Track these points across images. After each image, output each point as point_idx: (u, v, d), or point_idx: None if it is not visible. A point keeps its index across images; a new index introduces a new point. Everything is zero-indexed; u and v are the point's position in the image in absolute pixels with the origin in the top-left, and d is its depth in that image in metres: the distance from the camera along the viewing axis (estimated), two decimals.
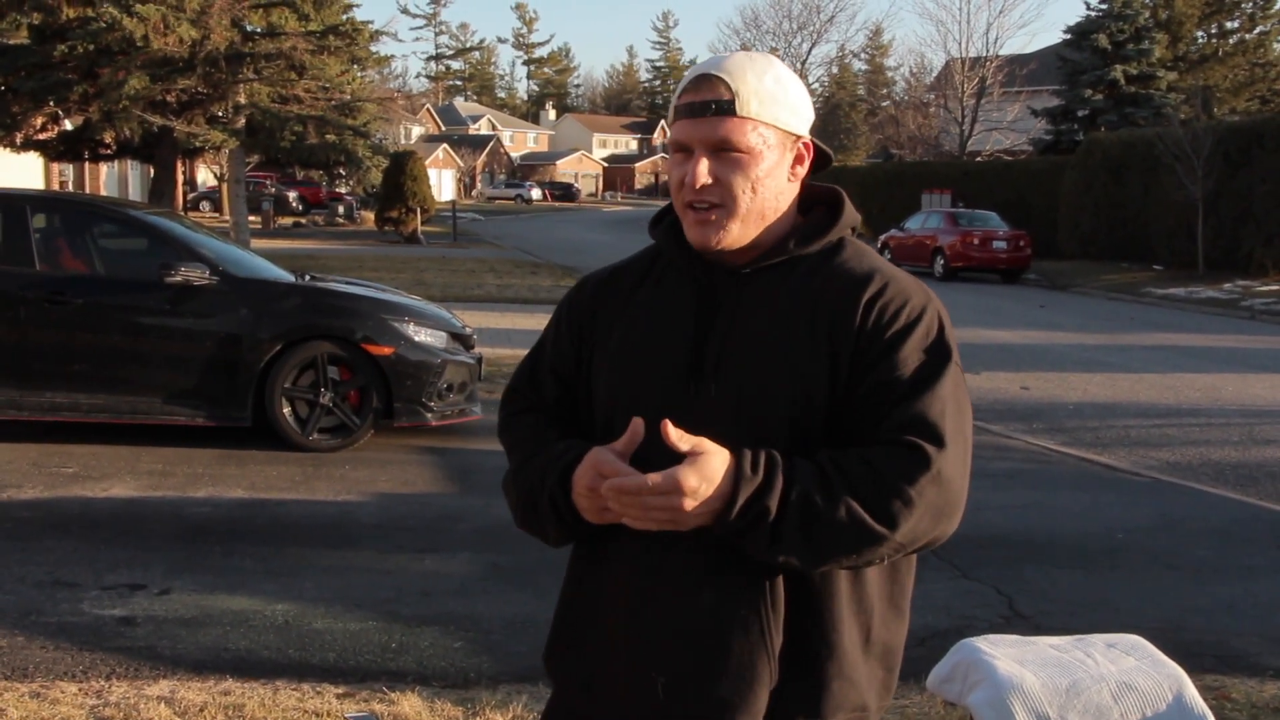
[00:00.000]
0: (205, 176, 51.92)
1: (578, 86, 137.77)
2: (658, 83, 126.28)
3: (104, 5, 21.27)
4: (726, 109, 1.71)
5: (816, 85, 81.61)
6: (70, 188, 33.96)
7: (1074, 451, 8.81)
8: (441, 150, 76.98)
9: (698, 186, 1.71)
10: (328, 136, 25.08)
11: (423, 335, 8.13)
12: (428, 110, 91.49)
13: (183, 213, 25.37)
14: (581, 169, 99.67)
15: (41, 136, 24.54)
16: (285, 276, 8.70)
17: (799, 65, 60.49)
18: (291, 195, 48.23)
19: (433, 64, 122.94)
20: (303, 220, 45.99)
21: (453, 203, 45.70)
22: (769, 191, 1.75)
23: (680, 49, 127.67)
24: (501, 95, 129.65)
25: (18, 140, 23.52)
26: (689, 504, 1.57)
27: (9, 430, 7.93)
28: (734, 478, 1.60)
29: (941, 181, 36.32)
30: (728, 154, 1.72)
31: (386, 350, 7.89)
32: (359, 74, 29.57)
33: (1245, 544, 6.51)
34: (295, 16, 23.34)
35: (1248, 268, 24.75)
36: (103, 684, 4.11)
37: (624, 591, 1.75)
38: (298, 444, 7.83)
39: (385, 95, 39.36)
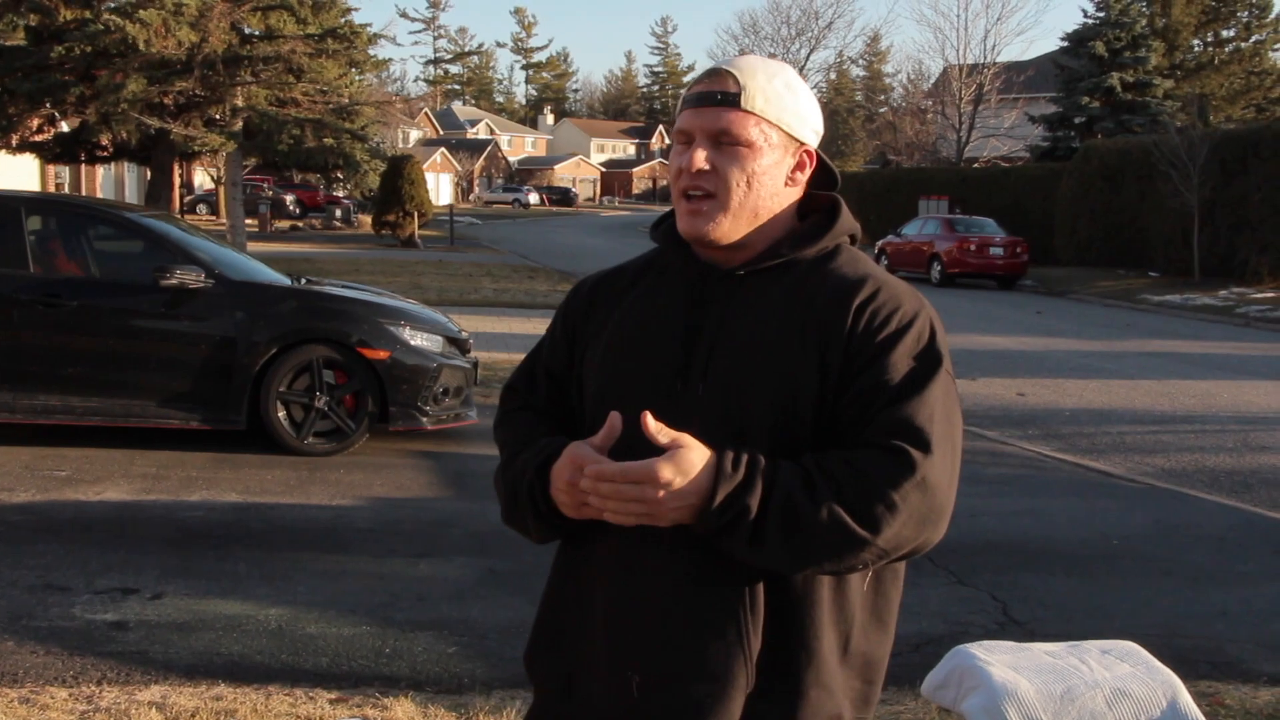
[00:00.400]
0: (202, 179, 51.92)
1: (576, 91, 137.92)
2: (656, 88, 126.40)
3: (104, 11, 21.25)
4: (731, 101, 1.74)
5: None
6: (66, 190, 33.93)
7: (1069, 458, 8.81)
8: (439, 154, 77.01)
9: (693, 170, 1.73)
10: (325, 140, 25.05)
11: (418, 339, 8.12)
12: (425, 114, 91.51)
13: (179, 216, 25.35)
14: (579, 174, 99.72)
15: (38, 138, 24.48)
16: (281, 280, 8.70)
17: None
18: (289, 198, 48.21)
19: (431, 68, 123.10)
20: (300, 224, 46.01)
21: (450, 207, 45.68)
22: (764, 189, 1.76)
23: (679, 55, 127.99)
24: (500, 100, 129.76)
25: (14, 142, 23.46)
26: (663, 495, 1.57)
27: (1, 433, 7.91)
28: (713, 474, 1.60)
29: (939, 188, 36.35)
30: (727, 145, 1.74)
31: (382, 354, 7.88)
32: (357, 77, 29.55)
33: (1240, 551, 6.50)
34: (293, 20, 23.33)
35: (1243, 275, 24.77)
36: (94, 689, 4.10)
37: (604, 592, 1.74)
38: (292, 448, 7.81)
39: (383, 99, 39.34)
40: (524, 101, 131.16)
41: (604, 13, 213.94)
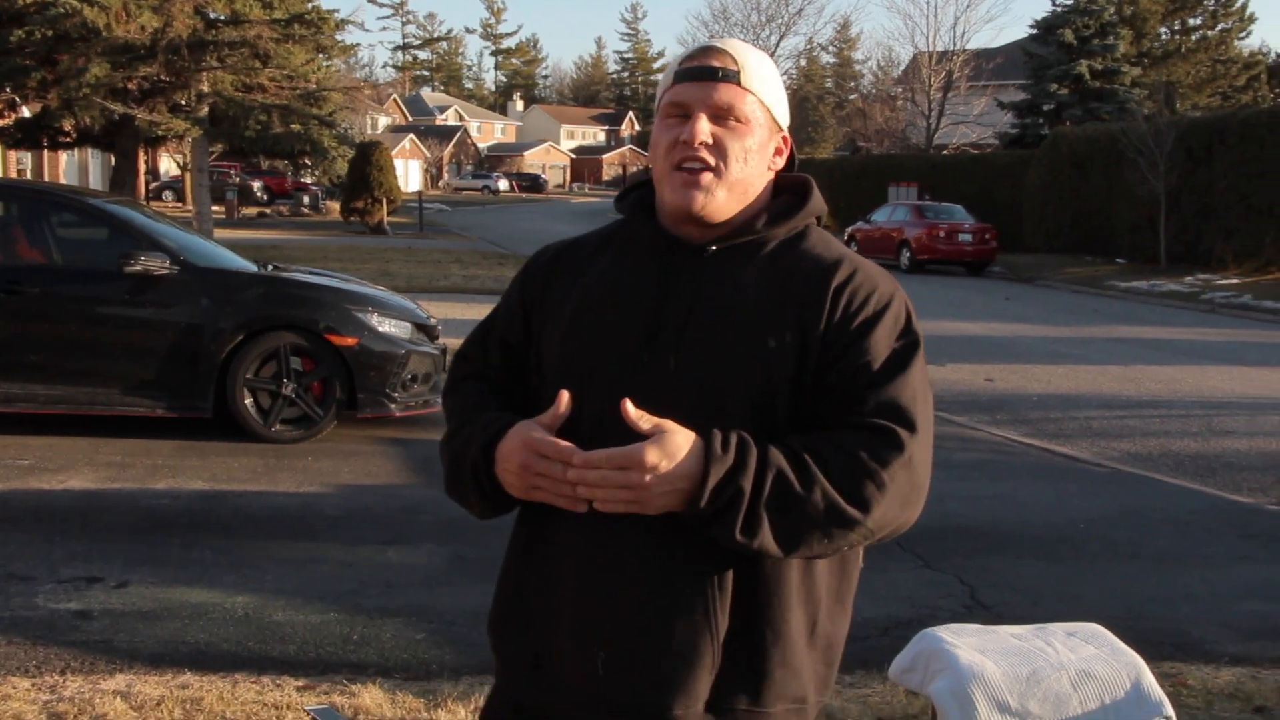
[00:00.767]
0: (168, 166, 51.46)
1: (546, 78, 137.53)
2: (626, 74, 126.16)
3: None
4: (733, 77, 1.73)
5: (785, 78, 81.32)
6: (29, 176, 33.56)
7: (1037, 443, 8.87)
8: (408, 141, 76.66)
9: (696, 142, 1.71)
10: (293, 126, 24.89)
11: (387, 326, 8.08)
12: (394, 100, 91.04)
13: (145, 202, 25.12)
14: (549, 160, 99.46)
15: None
16: (248, 266, 8.63)
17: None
18: (256, 185, 47.86)
19: (399, 54, 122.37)
20: (267, 210, 45.69)
21: (419, 193, 45.47)
22: (756, 168, 1.76)
23: (649, 41, 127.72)
24: (469, 86, 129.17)
25: None
26: (649, 480, 1.55)
27: None
28: (703, 458, 1.57)
29: (908, 174, 36.45)
30: (727, 120, 1.73)
31: (350, 341, 7.83)
32: (324, 63, 29.35)
33: (1203, 534, 6.56)
34: (259, 4, 23.15)
35: (1208, 262, 24.98)
36: (57, 679, 4.06)
37: (570, 571, 1.73)
38: (260, 435, 7.77)
39: (351, 85, 39.11)
40: (493, 88, 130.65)
41: None
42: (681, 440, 1.57)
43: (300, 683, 4.08)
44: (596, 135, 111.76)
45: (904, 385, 1.65)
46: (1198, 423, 9.85)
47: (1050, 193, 30.91)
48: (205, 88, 23.39)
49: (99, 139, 25.93)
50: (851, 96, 76.31)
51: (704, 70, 1.74)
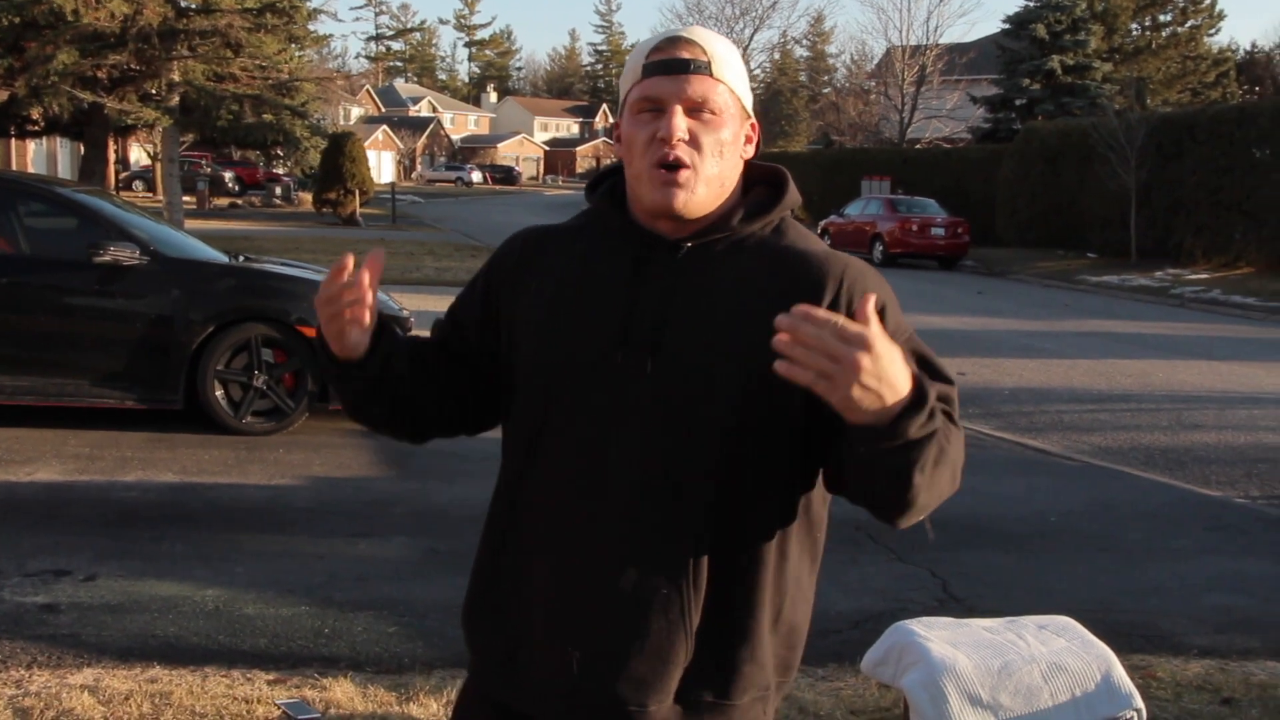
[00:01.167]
0: (138, 155, 51.04)
1: (519, 69, 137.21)
2: (600, 66, 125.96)
3: None
4: (705, 68, 1.68)
5: (758, 71, 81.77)
6: None
7: (1008, 436, 8.91)
8: (381, 132, 76.32)
9: (674, 139, 1.66)
10: (265, 116, 24.74)
11: None
12: (367, 91, 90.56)
13: (114, 192, 24.93)
14: (523, 152, 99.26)
15: None
16: (219, 257, 8.57)
17: (741, 51, 60.56)
18: (227, 176, 47.56)
19: (373, 44, 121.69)
20: (239, 201, 45.39)
21: (392, 185, 45.30)
22: (731, 160, 1.72)
23: (623, 33, 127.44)
24: (442, 77, 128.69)
25: None
26: (867, 364, 1.41)
27: None
28: (915, 378, 1.49)
29: (881, 168, 36.56)
30: (702, 114, 1.68)
31: None
32: (297, 53, 29.14)
33: (1173, 527, 6.61)
34: None
35: (1178, 256, 25.18)
36: (23, 673, 4.02)
37: (544, 566, 1.71)
38: (230, 427, 7.72)
39: (324, 75, 38.91)
40: (467, 79, 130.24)
41: None
42: (899, 354, 1.46)
43: (271, 676, 4.06)
44: (570, 128, 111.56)
45: (940, 372, 1.65)
46: (1167, 416, 9.92)
47: (1022, 187, 31.07)
48: (176, 77, 23.20)
49: (68, 128, 25.70)
50: (825, 90, 76.46)
51: (676, 63, 1.68)
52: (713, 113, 1.69)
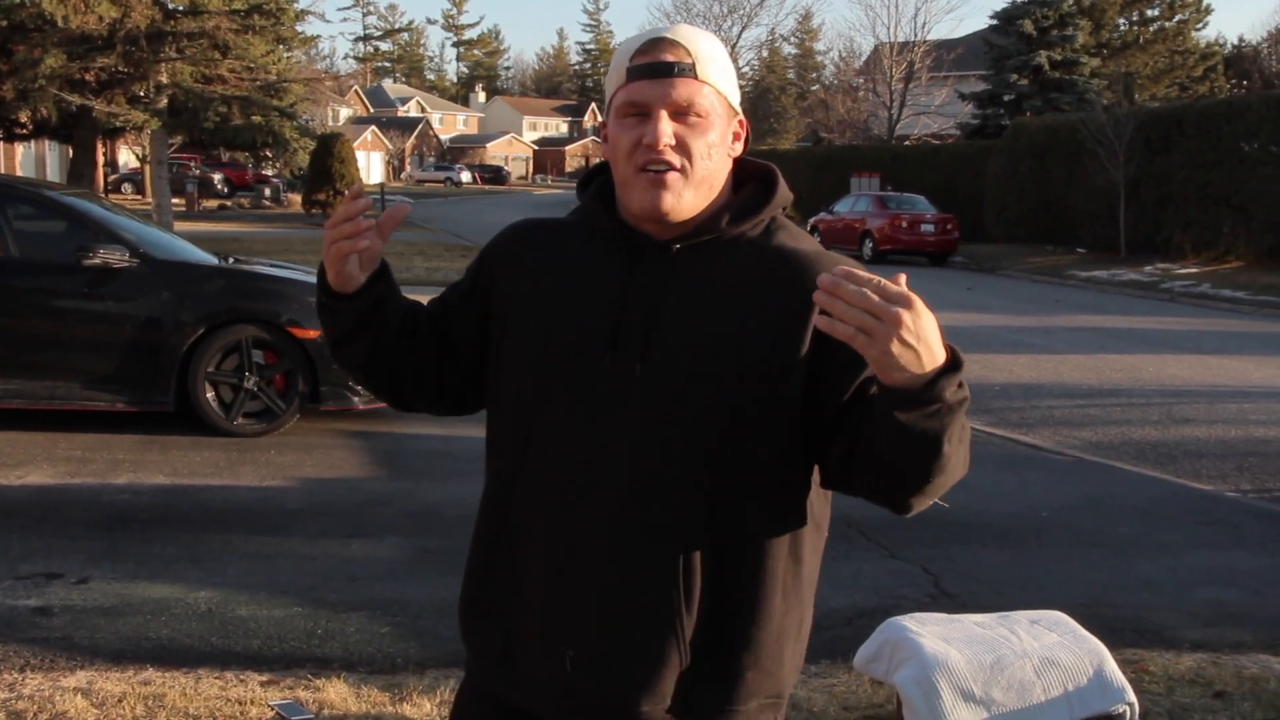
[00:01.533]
0: (127, 158, 50.89)
1: (508, 69, 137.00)
2: (588, 65, 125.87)
3: None
4: (689, 71, 1.66)
5: (746, 69, 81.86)
6: None
7: (999, 432, 8.92)
8: (370, 132, 76.23)
9: (660, 146, 1.65)
10: (253, 117, 24.69)
11: None
12: (356, 92, 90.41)
13: (103, 195, 24.86)
14: (512, 152, 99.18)
15: None
16: (208, 259, 8.56)
17: (730, 49, 60.53)
18: (216, 177, 47.47)
19: (360, 45, 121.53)
20: (228, 203, 45.31)
21: (381, 185, 45.28)
22: (719, 160, 1.71)
23: (611, 32, 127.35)
24: (431, 77, 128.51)
25: None
26: (908, 321, 1.44)
27: None
28: (954, 350, 1.52)
29: (870, 165, 36.60)
30: (688, 117, 1.67)
31: (313, 334, 7.77)
32: (285, 54, 29.08)
33: (1164, 521, 6.63)
34: None
35: (1167, 251, 25.25)
36: (16, 676, 4.01)
37: (538, 566, 1.71)
38: (221, 429, 7.70)
39: (312, 76, 38.77)
40: (455, 79, 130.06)
41: None
42: (930, 315, 1.49)
43: (264, 678, 4.05)
44: (559, 127, 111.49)
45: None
46: (1158, 411, 9.95)
47: (1011, 183, 31.12)
48: (164, 79, 23.15)
49: (56, 131, 25.64)
50: (813, 88, 76.53)
51: (659, 66, 1.67)
52: (698, 115, 1.67)
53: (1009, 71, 39.40)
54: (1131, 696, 3.30)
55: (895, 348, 1.44)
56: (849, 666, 3.98)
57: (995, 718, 3.18)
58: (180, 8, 23.20)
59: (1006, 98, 40.02)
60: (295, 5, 24.59)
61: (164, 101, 23.35)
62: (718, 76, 1.70)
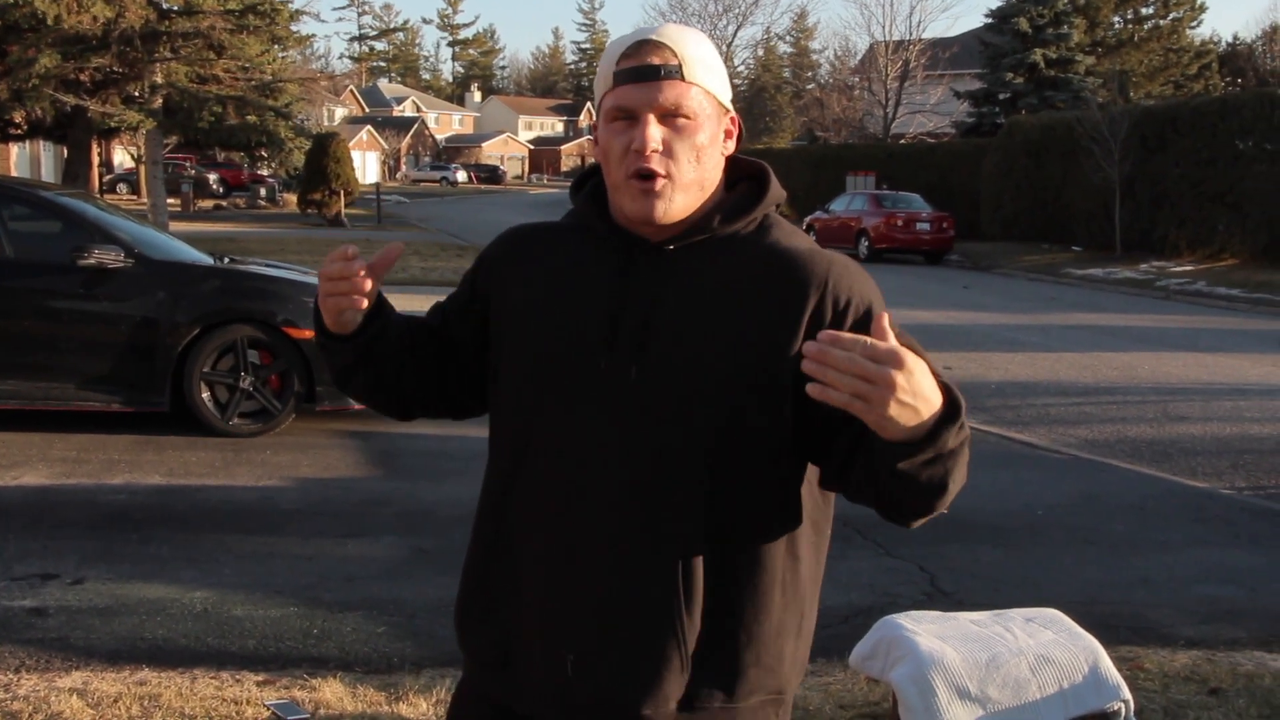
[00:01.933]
0: (122, 158, 50.85)
1: (503, 68, 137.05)
2: (584, 65, 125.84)
3: None
4: (675, 73, 1.65)
5: (742, 68, 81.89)
6: None
7: (995, 430, 8.93)
8: (365, 132, 76.13)
9: (648, 151, 1.64)
10: (248, 117, 24.66)
11: None
12: (351, 92, 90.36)
13: (98, 195, 24.83)
14: (507, 151, 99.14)
15: None
16: (204, 259, 8.55)
17: (724, 48, 60.66)
18: (212, 177, 47.40)
19: (356, 44, 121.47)
20: (223, 203, 45.27)
21: (377, 185, 45.21)
22: (710, 162, 1.70)
23: (606, 31, 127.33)
24: (426, 77, 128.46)
25: None
26: (902, 381, 1.40)
27: None
28: (951, 394, 1.48)
29: (866, 164, 36.61)
30: (676, 120, 1.66)
31: (308, 333, 7.76)
32: (280, 54, 29.03)
33: (1160, 519, 6.64)
34: None
35: (1163, 249, 25.28)
36: (11, 677, 4.00)
37: (537, 570, 1.71)
38: (217, 429, 7.70)
39: (307, 76, 38.80)
40: (451, 79, 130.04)
41: None
42: (925, 367, 1.45)
43: (260, 678, 4.05)
44: (554, 126, 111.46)
45: (933, 371, 1.63)
46: (1153, 409, 9.96)
47: (1007, 181, 31.14)
48: (159, 79, 23.11)
49: (51, 131, 25.58)
50: (809, 86, 76.54)
51: (645, 70, 1.65)
52: (687, 117, 1.67)
53: (1004, 70, 39.42)
54: (1126, 694, 3.30)
55: (892, 409, 1.42)
56: (845, 664, 3.98)
57: (991, 715, 3.18)
58: (175, 7, 23.16)
59: (1002, 96, 40.05)
60: (290, 5, 24.53)
61: (159, 101, 23.31)
62: (705, 76, 1.69)
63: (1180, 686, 4.14)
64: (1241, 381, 11.48)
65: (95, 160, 28.94)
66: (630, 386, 1.65)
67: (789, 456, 1.67)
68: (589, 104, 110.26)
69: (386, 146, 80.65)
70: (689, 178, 1.68)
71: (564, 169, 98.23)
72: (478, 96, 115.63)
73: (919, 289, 20.77)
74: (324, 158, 34.17)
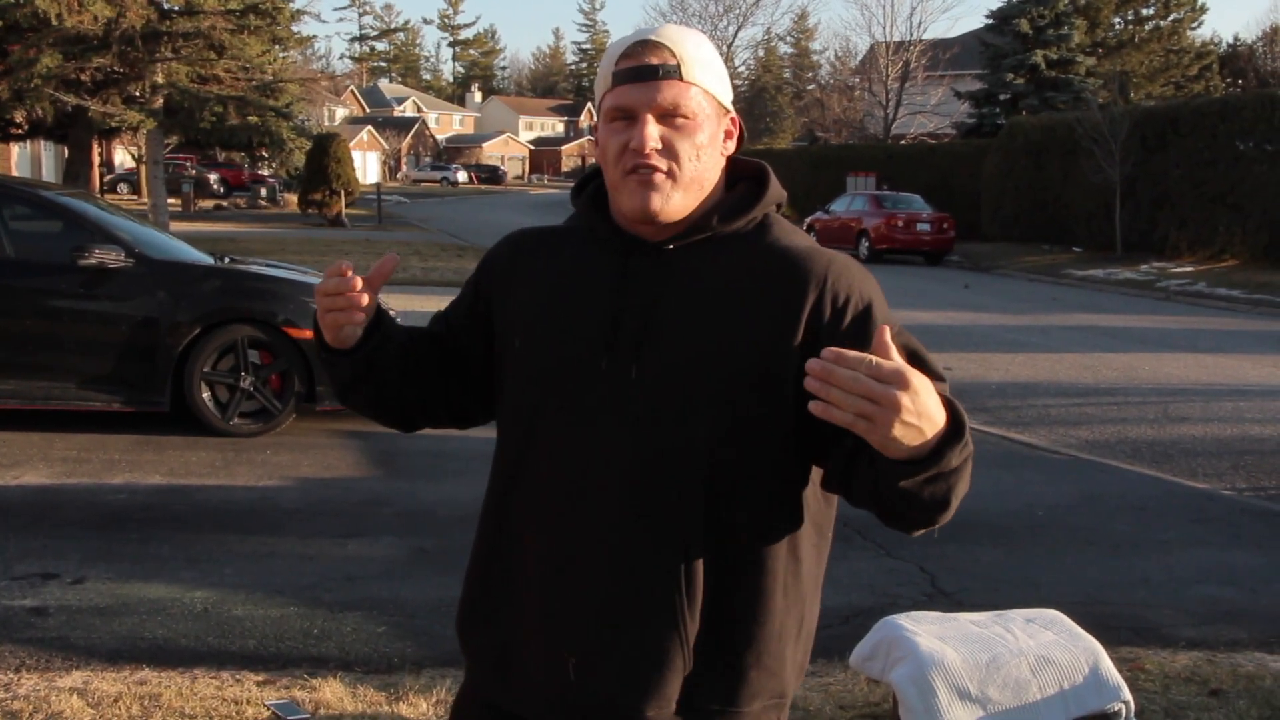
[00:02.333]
0: (123, 158, 50.85)
1: (504, 69, 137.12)
2: (584, 65, 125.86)
3: None
4: (674, 73, 1.66)
5: (742, 68, 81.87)
6: None
7: (996, 430, 8.93)
8: (366, 132, 76.15)
9: (646, 150, 1.65)
10: (249, 117, 24.65)
11: None
12: (352, 92, 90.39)
13: (99, 195, 24.82)
14: (508, 151, 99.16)
15: None
16: (204, 259, 8.55)
17: (725, 49, 60.68)
18: (212, 177, 47.41)
19: (356, 45, 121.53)
20: (224, 203, 45.26)
21: (377, 185, 45.22)
22: (709, 162, 1.70)
23: (607, 31, 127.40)
24: (427, 77, 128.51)
25: None
26: (907, 402, 1.39)
27: None
28: (951, 406, 1.47)
29: (866, 164, 36.60)
30: (674, 119, 1.66)
31: (308, 333, 7.76)
32: (280, 54, 29.05)
33: (1160, 519, 6.64)
34: None
35: (1163, 250, 25.28)
36: (12, 676, 4.00)
37: (537, 572, 1.71)
38: (217, 429, 7.70)
39: (308, 76, 38.81)
40: (451, 79, 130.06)
41: None
42: (930, 386, 1.44)
43: (260, 677, 4.05)
44: (555, 126, 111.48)
45: (931, 368, 1.61)
46: (1154, 409, 9.96)
47: (1007, 182, 31.14)
48: (160, 79, 23.11)
49: (52, 131, 25.60)
50: (809, 87, 76.53)
51: (643, 70, 1.66)
52: (685, 117, 1.67)
53: (1005, 71, 39.42)
54: (1127, 694, 3.30)
55: (896, 430, 1.40)
56: (845, 665, 3.98)
57: (991, 716, 3.18)
58: (176, 7, 23.16)
59: (1002, 97, 40.05)
60: (291, 5, 24.56)
61: (159, 101, 23.31)
62: (704, 76, 1.69)
63: (1181, 687, 4.14)
64: (1242, 382, 11.48)
65: (96, 160, 28.95)
66: (631, 387, 1.65)
67: (791, 456, 1.67)
68: (589, 104, 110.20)
69: (387, 147, 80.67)
70: (689, 175, 1.68)
71: (564, 169, 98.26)
72: (478, 97, 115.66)
73: (919, 290, 20.76)
74: (324, 158, 34.18)
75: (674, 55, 1.67)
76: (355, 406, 1.92)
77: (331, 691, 3.88)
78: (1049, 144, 29.55)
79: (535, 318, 1.75)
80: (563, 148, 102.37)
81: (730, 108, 1.76)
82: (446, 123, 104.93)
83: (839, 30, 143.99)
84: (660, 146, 1.66)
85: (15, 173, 35.22)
